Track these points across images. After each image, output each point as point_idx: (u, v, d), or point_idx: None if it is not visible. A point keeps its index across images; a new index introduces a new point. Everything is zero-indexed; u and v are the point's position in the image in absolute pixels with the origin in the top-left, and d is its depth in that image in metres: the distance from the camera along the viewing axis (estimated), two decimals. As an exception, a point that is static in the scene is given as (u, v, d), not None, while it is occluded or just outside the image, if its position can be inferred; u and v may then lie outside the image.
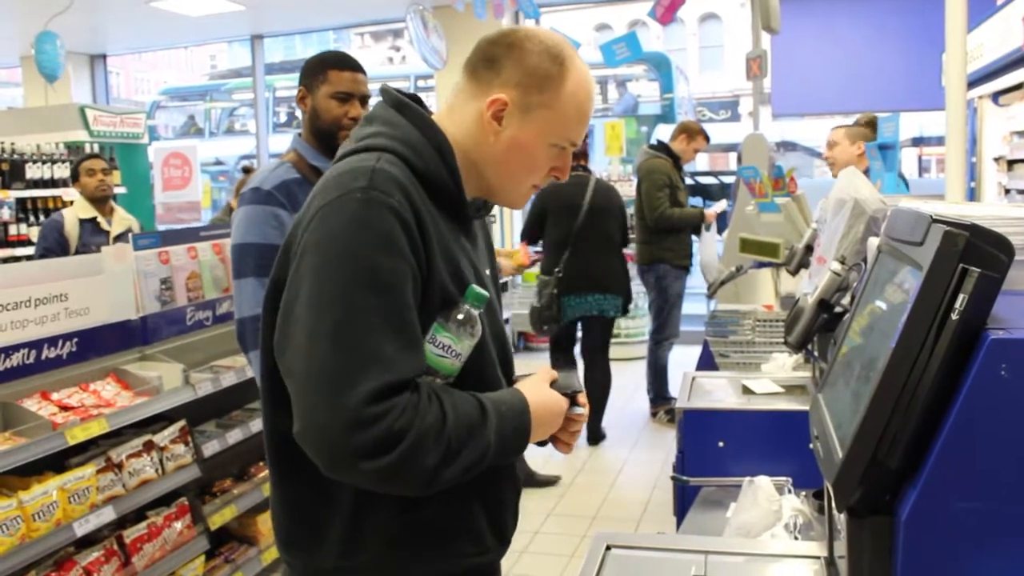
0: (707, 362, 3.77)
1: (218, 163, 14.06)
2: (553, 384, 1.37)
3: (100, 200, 4.95)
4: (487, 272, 1.44)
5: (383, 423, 1.13)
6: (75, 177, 5.01)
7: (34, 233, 5.85)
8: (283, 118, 13.97)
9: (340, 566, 1.32)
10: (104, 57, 10.78)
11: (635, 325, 8.09)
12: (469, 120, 1.34)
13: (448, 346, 1.24)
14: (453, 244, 1.30)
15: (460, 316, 1.25)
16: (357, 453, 1.13)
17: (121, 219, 5.03)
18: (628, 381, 7.14)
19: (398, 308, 1.18)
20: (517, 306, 8.08)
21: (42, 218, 5.94)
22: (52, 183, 6.04)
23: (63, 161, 6.12)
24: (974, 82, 4.95)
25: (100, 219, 4.89)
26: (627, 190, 7.79)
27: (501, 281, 1.88)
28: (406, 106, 1.34)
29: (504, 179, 1.37)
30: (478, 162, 1.35)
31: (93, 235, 4.78)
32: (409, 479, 1.17)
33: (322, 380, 1.15)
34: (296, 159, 2.45)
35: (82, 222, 4.85)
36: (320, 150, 2.45)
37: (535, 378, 1.38)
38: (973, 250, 0.97)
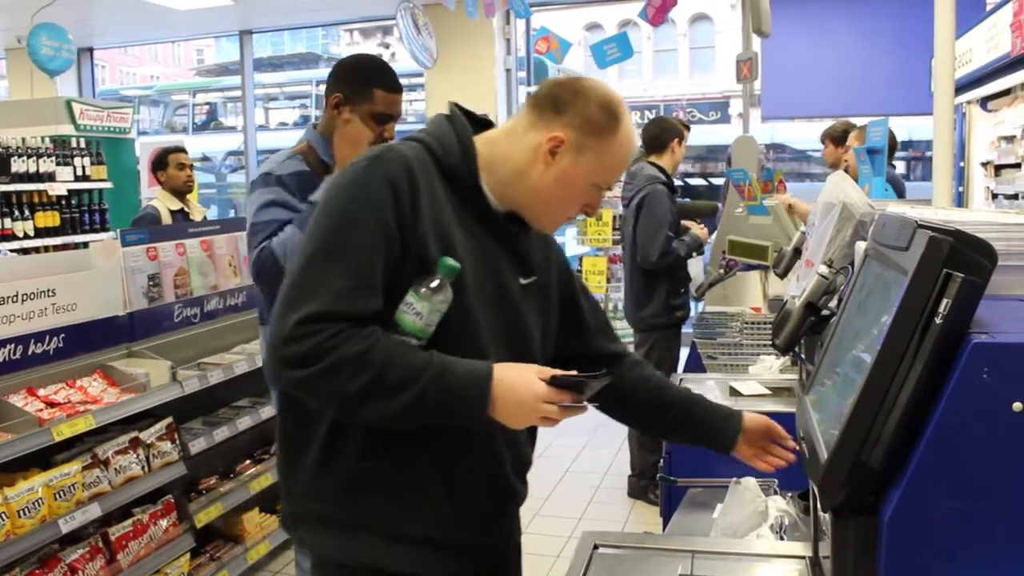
0: (695, 364, 3.78)
1: (205, 159, 14.00)
2: (555, 378, 1.39)
3: (185, 192, 5.08)
4: (520, 280, 1.57)
5: (310, 340, 1.31)
6: (161, 166, 5.04)
7: (19, 228, 5.81)
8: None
9: (310, 493, 1.50)
10: (91, 50, 10.70)
11: (620, 326, 8.10)
12: (526, 147, 1.51)
13: (411, 303, 1.39)
14: (456, 227, 1.47)
15: (428, 280, 1.39)
16: (285, 362, 1.33)
17: (197, 208, 5.20)
18: (615, 381, 7.14)
19: (363, 255, 1.36)
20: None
21: (27, 212, 5.89)
22: (38, 177, 5.96)
23: (49, 155, 6.05)
24: (962, 87, 4.98)
25: (187, 209, 5.03)
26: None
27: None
28: (453, 116, 1.56)
29: (544, 205, 1.54)
30: (525, 184, 1.51)
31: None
32: (327, 394, 1.35)
33: (284, 299, 1.36)
34: (307, 151, 2.47)
35: (173, 213, 4.94)
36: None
37: (524, 364, 1.44)
38: (957, 255, 0.98)
